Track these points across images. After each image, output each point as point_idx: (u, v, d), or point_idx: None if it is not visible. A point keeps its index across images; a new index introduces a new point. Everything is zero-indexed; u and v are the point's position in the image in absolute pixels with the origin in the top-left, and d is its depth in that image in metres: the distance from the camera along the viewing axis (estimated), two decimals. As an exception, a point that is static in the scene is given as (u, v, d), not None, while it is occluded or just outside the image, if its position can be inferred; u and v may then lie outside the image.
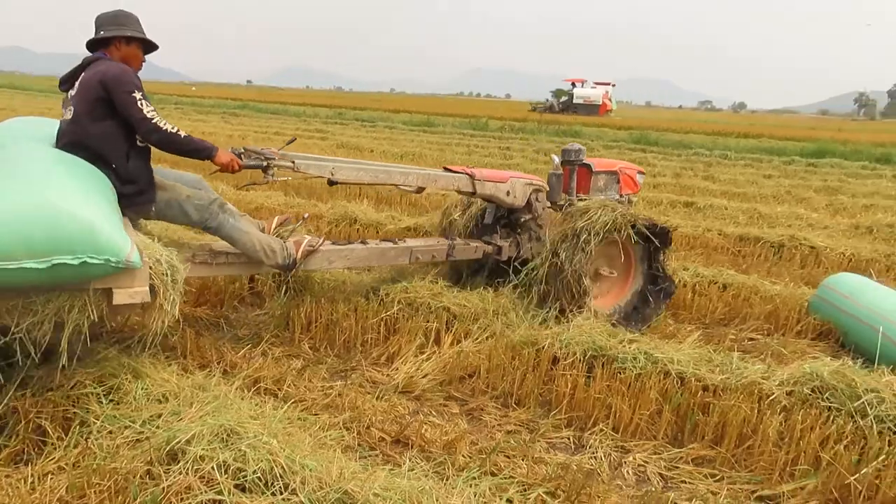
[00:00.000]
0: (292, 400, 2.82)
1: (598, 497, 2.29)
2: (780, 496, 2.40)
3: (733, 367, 3.01)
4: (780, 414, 2.69)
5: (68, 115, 2.82)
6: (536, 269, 3.82)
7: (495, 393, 3.06)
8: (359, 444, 2.56)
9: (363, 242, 3.82)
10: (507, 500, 2.20)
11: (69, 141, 2.78)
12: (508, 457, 2.53)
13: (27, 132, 3.06)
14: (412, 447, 2.57)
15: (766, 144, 20.36)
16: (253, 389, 2.90)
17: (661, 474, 2.54)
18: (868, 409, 2.63)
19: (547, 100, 49.57)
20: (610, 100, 46.03)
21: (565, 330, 3.35)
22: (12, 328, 2.25)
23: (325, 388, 3.02)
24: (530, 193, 4.25)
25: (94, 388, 2.58)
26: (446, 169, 4.06)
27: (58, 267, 2.11)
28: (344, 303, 3.64)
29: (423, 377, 3.18)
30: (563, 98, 46.81)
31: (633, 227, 3.75)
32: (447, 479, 2.27)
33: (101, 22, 2.93)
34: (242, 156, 3.15)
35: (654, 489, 2.43)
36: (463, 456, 2.49)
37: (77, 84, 2.82)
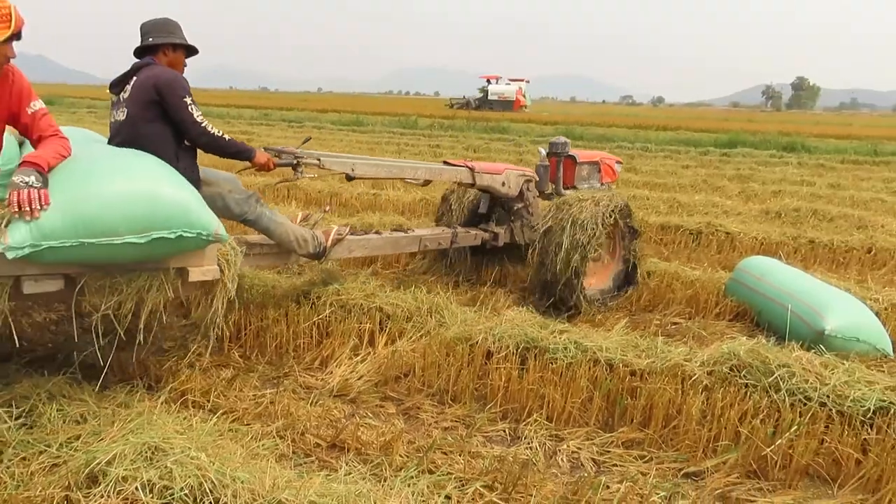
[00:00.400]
0: (222, 411, 2.73)
1: (535, 486, 2.33)
2: (704, 472, 2.52)
3: (658, 351, 3.13)
4: (701, 393, 2.81)
5: (120, 116, 2.99)
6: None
7: (431, 390, 3.07)
8: (293, 452, 2.51)
9: (377, 233, 4.11)
10: (446, 497, 2.21)
11: (123, 140, 2.91)
12: (446, 453, 2.54)
13: (77, 136, 3.04)
14: (348, 451, 2.54)
15: (684, 136, 21.27)
16: (179, 403, 2.79)
17: (593, 459, 2.61)
18: (781, 384, 2.79)
19: (463, 96, 51.21)
20: (524, 95, 47.74)
21: (498, 324, 3.39)
22: (102, 306, 2.48)
23: (257, 397, 2.95)
24: (522, 184, 4.62)
25: (5, 412, 2.42)
26: (446, 163, 4.41)
27: (156, 241, 2.36)
28: (274, 308, 3.56)
29: (358, 379, 3.15)
30: (480, 95, 48.19)
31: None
32: (384, 481, 2.26)
33: (148, 29, 3.07)
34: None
35: (587, 474, 2.50)
36: (400, 456, 2.49)
37: (130, 87, 2.97)
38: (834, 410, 2.66)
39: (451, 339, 3.30)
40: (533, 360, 3.07)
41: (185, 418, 2.50)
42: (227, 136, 3.05)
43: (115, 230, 2.27)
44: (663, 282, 4.66)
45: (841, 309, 3.58)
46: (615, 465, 2.58)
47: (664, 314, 4.30)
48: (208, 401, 2.85)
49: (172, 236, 2.37)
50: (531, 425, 2.80)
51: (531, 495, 2.28)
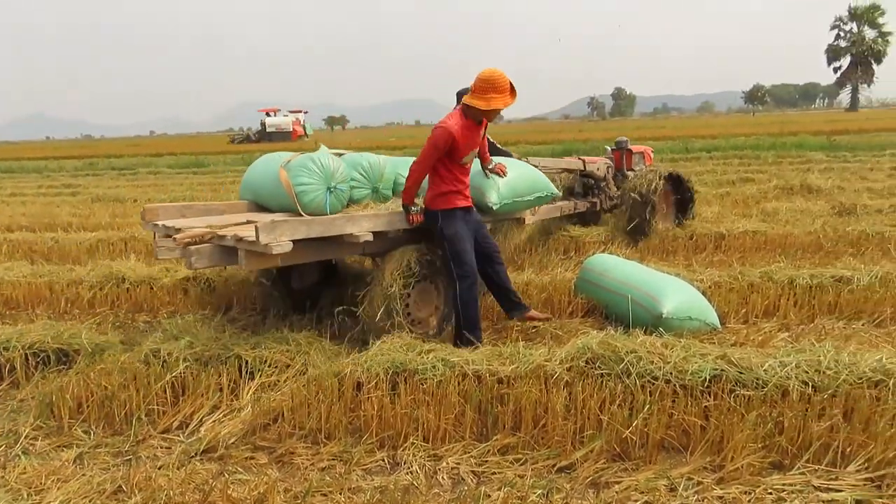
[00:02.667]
0: (66, 499, 2.44)
1: (418, 510, 2.32)
2: (575, 463, 2.65)
3: (521, 356, 3.26)
4: (563, 389, 2.97)
5: None
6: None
7: (303, 432, 2.95)
8: (157, 527, 2.30)
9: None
10: (329, 540, 2.13)
11: None
12: (325, 494, 2.46)
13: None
14: (219, 513, 2.37)
15: (524, 150, 22.47)
16: (12, 498, 2.45)
17: (473, 472, 2.65)
18: (631, 368, 3.03)
19: (241, 129, 53.76)
20: (302, 126, 50.68)
21: (365, 353, 3.36)
22: (504, 239, 5.92)
23: (110, 474, 2.67)
24: (606, 169, 7.07)
25: None
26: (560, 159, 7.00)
27: (538, 198, 4.60)
28: (119, 373, 3.26)
29: (224, 433, 2.96)
30: (259, 128, 49.91)
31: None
32: (262, 537, 2.13)
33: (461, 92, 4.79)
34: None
35: (468, 488, 2.53)
36: (277, 507, 2.37)
37: None
38: (677, 385, 2.93)
39: (318, 375, 3.21)
40: (403, 383, 3.08)
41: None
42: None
43: (523, 193, 4.41)
44: (519, 289, 4.88)
45: (673, 293, 3.96)
46: (494, 472, 2.63)
47: (523, 319, 4.48)
48: (49, 489, 2.53)
49: (544, 194, 4.61)
50: (409, 449, 2.78)
51: (416, 520, 2.27)
